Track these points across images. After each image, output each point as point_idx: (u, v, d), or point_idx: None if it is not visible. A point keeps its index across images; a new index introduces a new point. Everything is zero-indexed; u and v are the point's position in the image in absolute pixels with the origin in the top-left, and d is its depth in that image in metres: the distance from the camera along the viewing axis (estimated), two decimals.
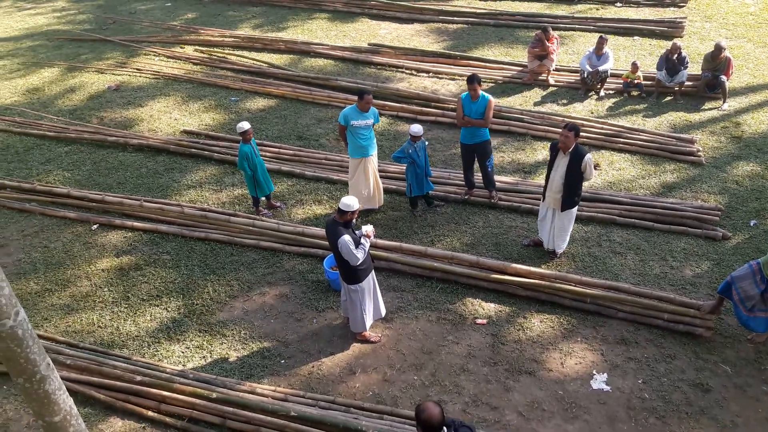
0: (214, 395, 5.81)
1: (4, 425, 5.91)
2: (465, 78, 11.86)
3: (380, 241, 7.58)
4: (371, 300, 6.40)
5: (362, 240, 6.07)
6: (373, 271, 6.38)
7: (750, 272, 5.95)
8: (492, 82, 11.87)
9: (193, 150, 10.09)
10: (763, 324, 6.10)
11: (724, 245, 7.68)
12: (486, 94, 8.03)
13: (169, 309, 7.16)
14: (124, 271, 7.77)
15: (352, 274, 6.13)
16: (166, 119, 11.29)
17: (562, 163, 6.96)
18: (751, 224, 7.98)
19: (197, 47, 14.25)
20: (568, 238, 7.45)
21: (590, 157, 6.93)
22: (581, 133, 9.77)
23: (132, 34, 15.29)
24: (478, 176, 8.63)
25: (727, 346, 6.33)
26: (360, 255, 5.92)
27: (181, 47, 14.33)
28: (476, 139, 8.17)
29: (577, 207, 7.23)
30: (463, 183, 8.72)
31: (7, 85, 12.98)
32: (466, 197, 8.62)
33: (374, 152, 8.24)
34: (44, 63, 13.90)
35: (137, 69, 13.28)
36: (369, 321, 6.45)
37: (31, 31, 16.19)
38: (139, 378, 6.04)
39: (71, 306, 7.29)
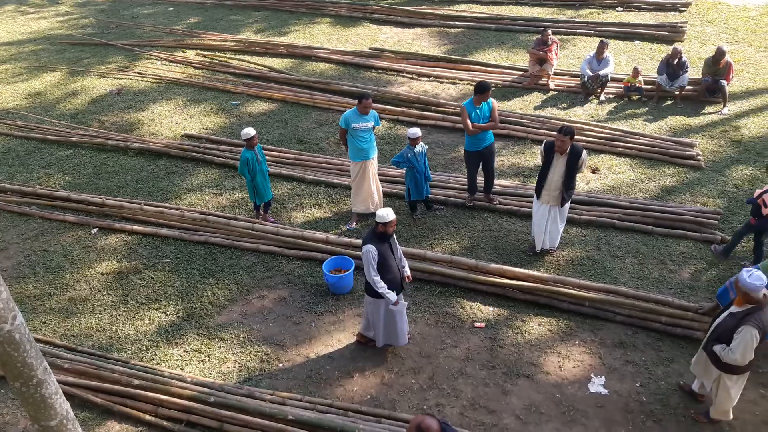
0: (212, 399, 5.82)
1: (2, 429, 5.92)
2: (466, 82, 11.98)
3: None
4: (383, 323, 6.17)
5: (386, 293, 5.86)
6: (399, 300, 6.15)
7: None
8: (492, 87, 11.84)
9: (194, 154, 10.13)
10: None
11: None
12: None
13: (168, 313, 7.17)
14: (124, 274, 7.79)
15: (369, 285, 6.03)
16: (167, 123, 11.33)
17: (559, 163, 7.05)
18: None
19: (199, 51, 14.31)
20: (562, 231, 7.63)
21: (585, 152, 7.13)
22: (577, 135, 9.89)
23: (134, 39, 15.37)
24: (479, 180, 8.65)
25: None
26: (374, 278, 5.78)
27: (183, 51, 14.39)
28: (486, 143, 8.19)
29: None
30: (465, 188, 8.71)
31: (9, 89, 13.04)
32: (471, 204, 8.61)
33: (375, 155, 8.26)
34: (47, 67, 13.97)
35: (139, 73, 13.34)
36: (372, 335, 6.34)
37: (35, 36, 16.28)
38: (136, 382, 6.04)
39: (70, 310, 7.31)
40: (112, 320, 7.11)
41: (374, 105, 9.22)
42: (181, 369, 6.41)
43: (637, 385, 5.99)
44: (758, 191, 7.06)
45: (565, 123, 9.74)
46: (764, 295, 4.96)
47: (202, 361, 6.52)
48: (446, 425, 3.84)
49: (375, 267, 5.82)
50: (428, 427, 3.67)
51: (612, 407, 5.79)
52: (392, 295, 5.93)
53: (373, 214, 8.39)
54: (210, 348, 6.67)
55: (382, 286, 5.86)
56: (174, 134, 10.97)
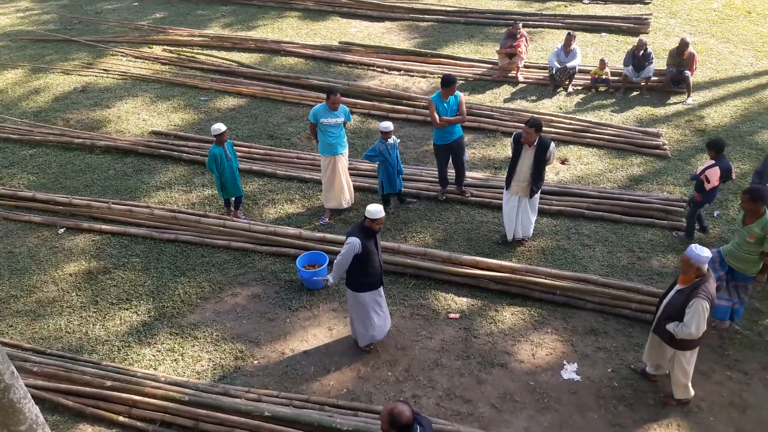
0: (186, 398, 5.76)
1: None
2: (437, 75, 12.01)
3: None
4: (364, 318, 6.16)
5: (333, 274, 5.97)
6: (378, 294, 6.16)
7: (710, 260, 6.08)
8: (462, 80, 11.93)
9: (162, 151, 9.98)
10: (725, 312, 6.26)
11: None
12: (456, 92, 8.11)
13: (139, 312, 7.07)
14: (93, 275, 7.64)
15: (350, 277, 6.01)
16: (134, 120, 11.14)
17: (527, 155, 7.13)
18: (715, 215, 8.16)
19: (166, 47, 14.07)
20: (534, 221, 7.69)
21: (554, 145, 7.22)
22: (546, 127, 10.00)
23: (98, 35, 15.04)
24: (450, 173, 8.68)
25: None
26: (341, 265, 5.82)
27: (149, 47, 14.14)
28: (454, 136, 8.21)
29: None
30: (437, 181, 8.73)
31: None
32: (443, 198, 8.65)
33: (344, 151, 8.23)
34: (7, 64, 13.60)
35: (104, 70, 13.07)
36: (358, 336, 6.32)
37: None
38: (109, 383, 5.95)
39: (38, 312, 7.15)
40: (81, 321, 6.98)
41: (345, 99, 9.22)
42: (154, 369, 6.33)
43: (609, 370, 6.11)
44: (701, 167, 7.33)
45: (533, 115, 9.85)
46: (708, 268, 5.21)
47: (175, 360, 6.45)
48: (418, 415, 3.87)
49: (349, 260, 5.81)
50: (400, 413, 3.70)
51: (585, 393, 5.90)
52: (331, 278, 6.05)
53: (346, 210, 8.44)
54: (183, 347, 6.60)
55: (337, 272, 5.90)
56: (141, 131, 10.79)
